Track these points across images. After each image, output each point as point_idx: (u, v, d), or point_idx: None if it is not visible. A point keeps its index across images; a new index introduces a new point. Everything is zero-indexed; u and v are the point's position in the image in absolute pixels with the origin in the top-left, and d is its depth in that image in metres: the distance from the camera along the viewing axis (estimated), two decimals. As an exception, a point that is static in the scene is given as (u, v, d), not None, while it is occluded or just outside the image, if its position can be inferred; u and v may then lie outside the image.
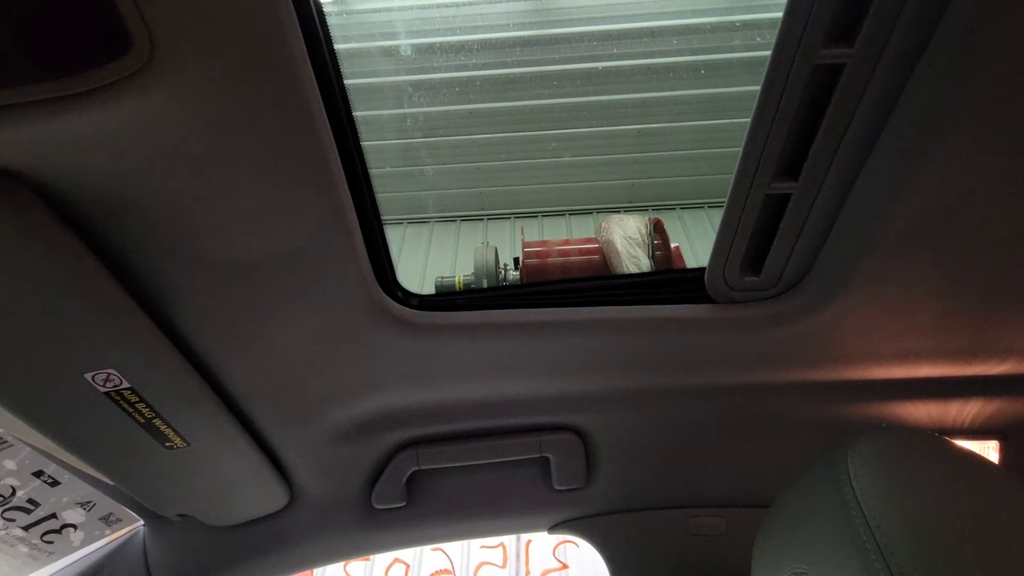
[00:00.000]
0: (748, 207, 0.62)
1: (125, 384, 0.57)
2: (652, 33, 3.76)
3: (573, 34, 3.81)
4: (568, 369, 0.79)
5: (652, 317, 0.73)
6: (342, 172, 0.57)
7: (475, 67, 3.84)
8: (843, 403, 0.84)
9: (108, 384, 0.56)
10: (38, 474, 0.78)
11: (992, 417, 0.87)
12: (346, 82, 0.57)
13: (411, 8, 3.62)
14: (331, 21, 0.53)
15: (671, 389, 0.83)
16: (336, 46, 0.54)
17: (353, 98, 0.57)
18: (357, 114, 0.58)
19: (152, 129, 0.42)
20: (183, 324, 0.60)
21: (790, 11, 0.48)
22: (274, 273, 0.59)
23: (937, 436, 0.50)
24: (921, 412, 0.86)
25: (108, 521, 0.86)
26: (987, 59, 0.47)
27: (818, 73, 0.52)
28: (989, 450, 0.89)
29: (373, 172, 0.64)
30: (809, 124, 0.56)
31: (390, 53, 3.72)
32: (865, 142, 0.56)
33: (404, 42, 3.67)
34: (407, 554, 3.07)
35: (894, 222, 0.60)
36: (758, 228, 0.65)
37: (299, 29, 0.46)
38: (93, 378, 0.55)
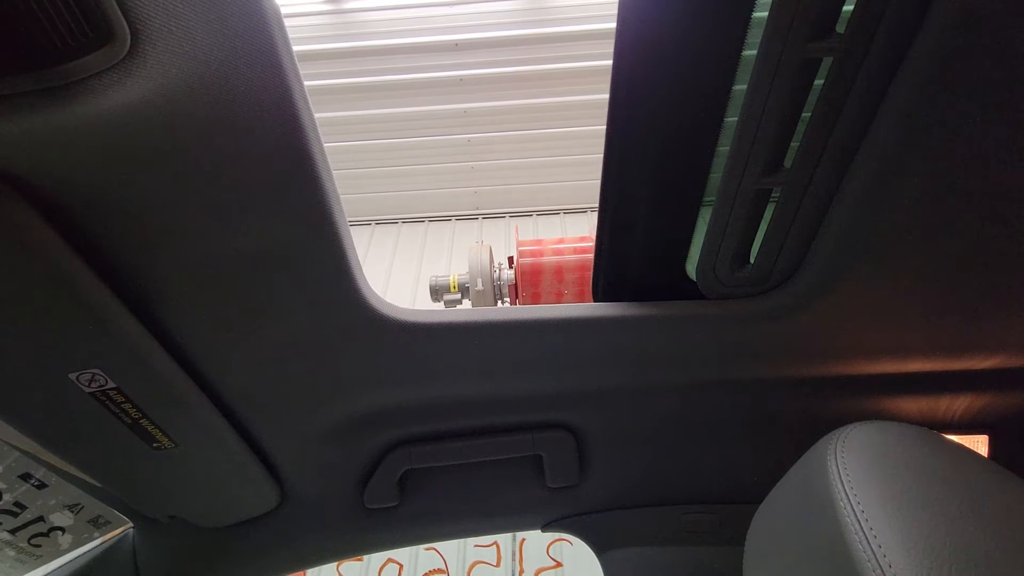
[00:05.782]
0: (738, 202, 0.62)
1: (111, 384, 0.56)
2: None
3: (566, 33, 3.83)
4: (559, 366, 0.79)
5: (643, 314, 0.73)
6: (329, 171, 0.56)
7: (468, 67, 3.84)
8: (834, 398, 0.85)
9: (93, 384, 0.56)
10: (25, 477, 0.77)
11: (981, 412, 0.87)
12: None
13: (405, 7, 3.63)
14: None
15: (662, 385, 0.83)
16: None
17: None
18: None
19: (134, 124, 0.41)
20: (170, 323, 0.60)
21: (777, 3, 0.48)
22: (261, 271, 0.59)
23: (923, 428, 0.50)
24: (911, 407, 0.86)
25: (97, 524, 0.85)
26: (976, 53, 0.47)
27: (806, 66, 0.52)
28: (978, 444, 0.89)
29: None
30: (798, 118, 0.56)
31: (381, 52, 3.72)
32: (854, 136, 0.56)
33: (402, 41, 3.67)
34: (401, 554, 3.05)
35: (884, 217, 0.60)
36: (748, 223, 0.65)
37: (284, 24, 0.45)
38: (78, 378, 0.54)
